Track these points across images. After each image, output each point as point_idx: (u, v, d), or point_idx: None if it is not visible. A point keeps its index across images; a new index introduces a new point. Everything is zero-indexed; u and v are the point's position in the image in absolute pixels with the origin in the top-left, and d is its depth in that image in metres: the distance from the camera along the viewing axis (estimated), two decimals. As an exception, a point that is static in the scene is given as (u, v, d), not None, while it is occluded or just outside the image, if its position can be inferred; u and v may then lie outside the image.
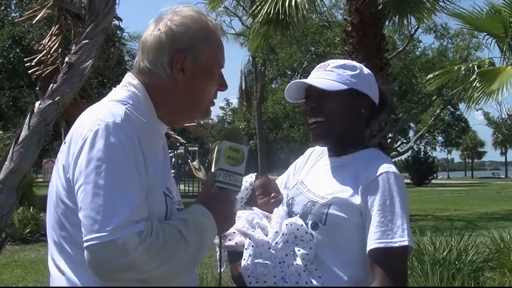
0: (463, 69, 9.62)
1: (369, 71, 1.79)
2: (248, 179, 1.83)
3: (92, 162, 1.30)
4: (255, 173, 1.89)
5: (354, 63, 1.78)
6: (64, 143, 1.43)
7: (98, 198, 1.28)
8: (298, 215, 1.70)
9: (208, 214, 1.45)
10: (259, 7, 8.60)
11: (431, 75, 10.11)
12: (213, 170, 1.52)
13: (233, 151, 1.51)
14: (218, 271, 1.76)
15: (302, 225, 1.64)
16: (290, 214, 1.73)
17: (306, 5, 8.47)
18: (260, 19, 8.54)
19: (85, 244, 1.27)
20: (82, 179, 1.30)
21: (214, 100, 1.57)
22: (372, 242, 1.54)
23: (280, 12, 8.24)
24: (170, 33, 1.46)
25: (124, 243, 1.25)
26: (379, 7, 7.91)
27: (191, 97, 1.50)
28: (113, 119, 1.35)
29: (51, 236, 1.44)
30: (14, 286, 6.88)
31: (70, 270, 1.38)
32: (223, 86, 1.56)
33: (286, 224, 1.66)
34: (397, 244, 1.52)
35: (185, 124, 1.71)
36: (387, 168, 1.62)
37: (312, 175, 1.80)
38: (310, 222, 1.65)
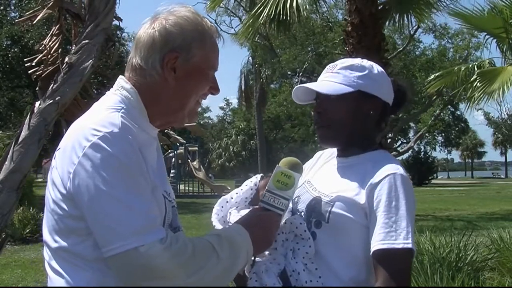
0: (463, 69, 9.62)
1: (380, 69, 1.73)
2: (253, 180, 1.84)
3: (98, 175, 1.28)
4: (261, 174, 1.90)
5: (364, 62, 1.72)
6: (59, 149, 1.41)
7: (113, 209, 1.28)
8: (302, 213, 1.69)
9: (244, 233, 1.45)
10: (261, 8, 8.61)
11: (431, 77, 10.11)
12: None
13: (284, 176, 1.58)
14: None
15: (301, 223, 1.63)
16: (294, 212, 1.72)
17: (307, 6, 8.47)
18: (262, 21, 8.55)
19: (108, 254, 1.27)
20: (92, 192, 1.28)
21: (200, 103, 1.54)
22: (376, 243, 1.53)
23: (282, 13, 8.25)
24: (163, 32, 1.45)
25: (147, 250, 1.25)
26: (379, 7, 7.92)
27: (179, 97, 1.48)
28: (111, 128, 1.33)
29: (47, 240, 1.43)
30: (14, 286, 6.88)
31: (66, 274, 1.37)
32: (215, 89, 1.54)
33: (285, 222, 1.65)
34: (400, 246, 1.50)
35: (186, 125, 1.69)
36: (394, 169, 1.59)
37: (320, 175, 1.79)
38: (313, 220, 1.64)
